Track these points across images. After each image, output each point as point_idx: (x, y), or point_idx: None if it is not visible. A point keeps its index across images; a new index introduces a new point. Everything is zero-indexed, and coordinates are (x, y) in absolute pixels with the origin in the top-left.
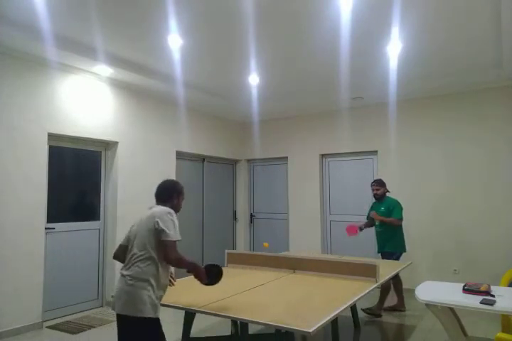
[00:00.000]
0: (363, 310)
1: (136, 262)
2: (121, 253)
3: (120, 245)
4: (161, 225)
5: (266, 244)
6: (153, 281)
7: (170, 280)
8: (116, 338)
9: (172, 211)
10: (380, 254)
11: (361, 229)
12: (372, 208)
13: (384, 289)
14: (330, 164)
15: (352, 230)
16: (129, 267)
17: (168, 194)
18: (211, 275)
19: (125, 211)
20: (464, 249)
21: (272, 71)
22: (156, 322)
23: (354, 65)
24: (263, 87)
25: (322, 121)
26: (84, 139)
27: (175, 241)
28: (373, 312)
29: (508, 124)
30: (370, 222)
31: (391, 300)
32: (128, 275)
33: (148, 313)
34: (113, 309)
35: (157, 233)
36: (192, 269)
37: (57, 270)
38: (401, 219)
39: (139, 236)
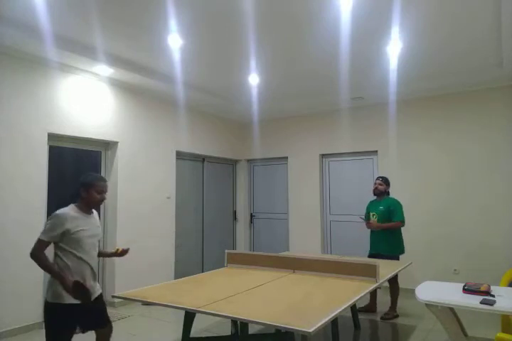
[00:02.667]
0: (358, 310)
1: None
2: None
3: None
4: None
5: None
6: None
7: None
8: (116, 338)
9: (58, 213)
10: (369, 255)
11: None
12: (369, 207)
13: (392, 290)
14: (330, 164)
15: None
16: None
17: (77, 189)
18: (78, 291)
19: (125, 211)
20: (464, 249)
21: (272, 71)
22: (64, 307)
23: (354, 65)
24: (263, 87)
25: (322, 121)
26: (84, 139)
27: (38, 240)
28: (368, 310)
29: (508, 124)
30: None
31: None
32: None
33: (57, 299)
34: None
35: None
36: (50, 273)
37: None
38: (403, 220)
39: None
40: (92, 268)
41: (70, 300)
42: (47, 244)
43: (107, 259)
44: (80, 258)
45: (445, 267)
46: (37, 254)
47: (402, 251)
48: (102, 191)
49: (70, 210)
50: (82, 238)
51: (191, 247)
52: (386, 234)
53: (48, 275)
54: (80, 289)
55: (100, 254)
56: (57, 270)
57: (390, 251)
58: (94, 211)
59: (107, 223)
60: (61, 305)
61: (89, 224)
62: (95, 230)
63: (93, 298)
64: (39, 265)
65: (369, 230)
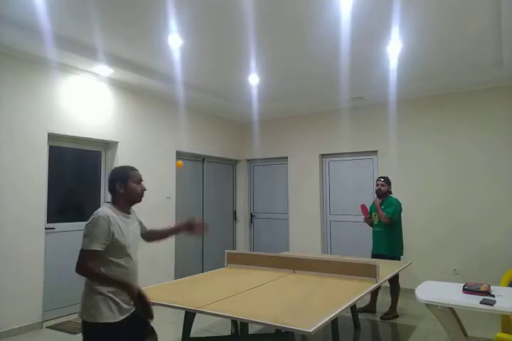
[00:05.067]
0: (358, 310)
1: None
2: None
3: None
4: (84, 231)
5: (179, 163)
6: (101, 287)
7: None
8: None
9: (99, 215)
10: (372, 255)
11: (368, 217)
12: (371, 207)
13: (393, 290)
14: (330, 164)
15: (364, 212)
16: None
17: (110, 186)
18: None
19: None
20: (464, 249)
21: (272, 71)
22: (111, 327)
23: (354, 64)
24: (263, 87)
25: (322, 121)
26: (84, 139)
27: (90, 251)
28: (369, 310)
29: (508, 124)
30: (370, 220)
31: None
32: (85, 282)
33: (101, 318)
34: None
35: None
36: (115, 285)
37: (57, 270)
38: (391, 217)
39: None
40: (136, 278)
41: (115, 317)
42: (98, 253)
43: None
44: (123, 267)
45: (445, 267)
46: (89, 267)
47: (402, 253)
48: (140, 180)
49: (109, 211)
50: (125, 243)
51: (191, 247)
52: (387, 234)
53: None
54: (143, 298)
55: (157, 235)
56: (119, 278)
57: (391, 252)
58: (132, 209)
59: None
60: (107, 325)
61: (130, 226)
62: (136, 231)
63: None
64: (95, 278)
65: (371, 230)
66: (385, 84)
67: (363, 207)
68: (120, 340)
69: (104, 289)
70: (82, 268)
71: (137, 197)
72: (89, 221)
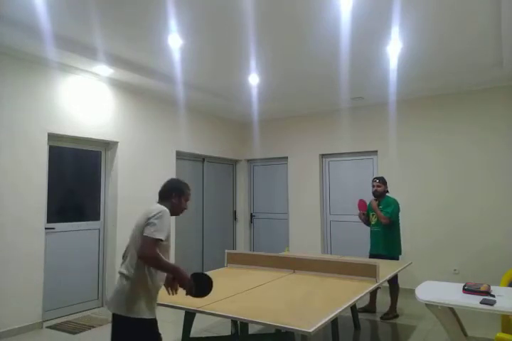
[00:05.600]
0: (358, 310)
1: (131, 261)
2: None
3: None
4: (148, 221)
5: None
6: (147, 281)
7: (169, 288)
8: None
9: (165, 209)
10: (370, 255)
11: (363, 213)
12: (369, 207)
13: (392, 290)
14: (330, 164)
15: (362, 207)
16: (126, 266)
17: (167, 192)
18: (200, 285)
19: (125, 211)
20: (464, 249)
21: (272, 71)
22: (150, 323)
23: (354, 65)
24: (263, 87)
25: (322, 121)
26: (84, 139)
27: (154, 239)
28: (369, 310)
29: (508, 124)
30: (364, 217)
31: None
32: (123, 274)
33: (143, 314)
34: (108, 308)
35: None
36: (172, 271)
37: (57, 270)
38: (390, 218)
39: (134, 235)
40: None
41: (154, 314)
42: (159, 243)
43: (108, 260)
44: None
45: (445, 267)
46: (155, 254)
47: (400, 252)
48: (188, 200)
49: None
50: (169, 244)
51: (191, 247)
52: (385, 234)
53: (121, 288)
54: (201, 282)
55: None
56: (176, 265)
57: (389, 253)
58: None
59: (107, 223)
60: (150, 321)
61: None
62: None
63: None
64: (158, 266)
65: (369, 230)
66: (385, 84)
67: (361, 201)
68: (159, 336)
69: (151, 285)
70: (148, 254)
71: (179, 212)
72: (154, 213)
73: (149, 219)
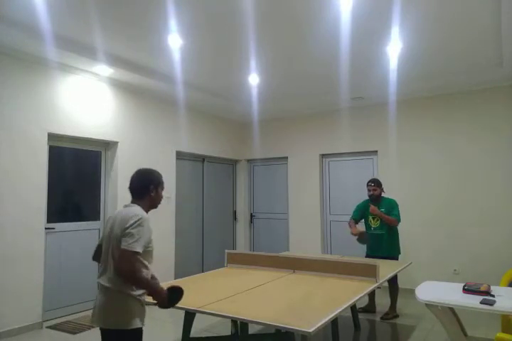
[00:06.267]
0: (358, 310)
1: (115, 274)
2: (101, 255)
3: (99, 245)
4: (125, 232)
5: None
6: (135, 289)
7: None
8: None
9: (144, 216)
10: (369, 256)
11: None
12: (367, 212)
13: (392, 290)
14: (330, 164)
15: (353, 227)
16: (109, 279)
17: (144, 188)
18: (171, 299)
19: None
20: (464, 249)
21: (272, 71)
22: (140, 332)
23: (354, 65)
24: (263, 87)
25: (322, 121)
26: (84, 139)
27: (132, 252)
28: (369, 310)
29: (508, 124)
30: (359, 225)
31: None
32: (107, 287)
33: (136, 324)
34: (96, 323)
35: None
36: (149, 291)
37: (57, 270)
38: (400, 220)
39: (112, 245)
40: None
41: (140, 323)
42: (139, 255)
43: None
44: (147, 269)
45: (445, 267)
46: (136, 269)
47: (400, 252)
48: (164, 188)
49: (144, 213)
50: (152, 248)
51: (191, 247)
52: (389, 236)
53: (109, 301)
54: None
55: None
56: (154, 284)
57: (390, 253)
58: None
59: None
60: (140, 330)
61: None
62: None
63: None
64: (134, 282)
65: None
66: (385, 84)
67: (352, 223)
68: None
69: (137, 293)
70: (125, 269)
71: (158, 204)
72: (132, 222)
73: (126, 229)
